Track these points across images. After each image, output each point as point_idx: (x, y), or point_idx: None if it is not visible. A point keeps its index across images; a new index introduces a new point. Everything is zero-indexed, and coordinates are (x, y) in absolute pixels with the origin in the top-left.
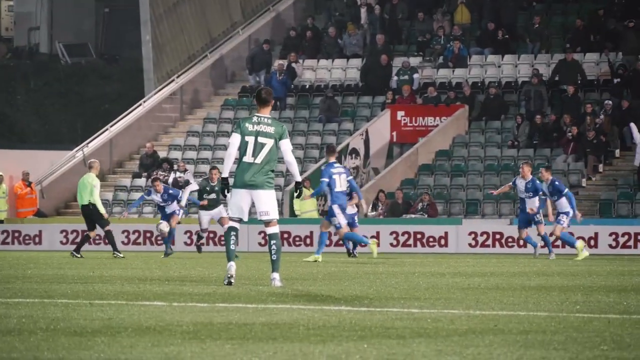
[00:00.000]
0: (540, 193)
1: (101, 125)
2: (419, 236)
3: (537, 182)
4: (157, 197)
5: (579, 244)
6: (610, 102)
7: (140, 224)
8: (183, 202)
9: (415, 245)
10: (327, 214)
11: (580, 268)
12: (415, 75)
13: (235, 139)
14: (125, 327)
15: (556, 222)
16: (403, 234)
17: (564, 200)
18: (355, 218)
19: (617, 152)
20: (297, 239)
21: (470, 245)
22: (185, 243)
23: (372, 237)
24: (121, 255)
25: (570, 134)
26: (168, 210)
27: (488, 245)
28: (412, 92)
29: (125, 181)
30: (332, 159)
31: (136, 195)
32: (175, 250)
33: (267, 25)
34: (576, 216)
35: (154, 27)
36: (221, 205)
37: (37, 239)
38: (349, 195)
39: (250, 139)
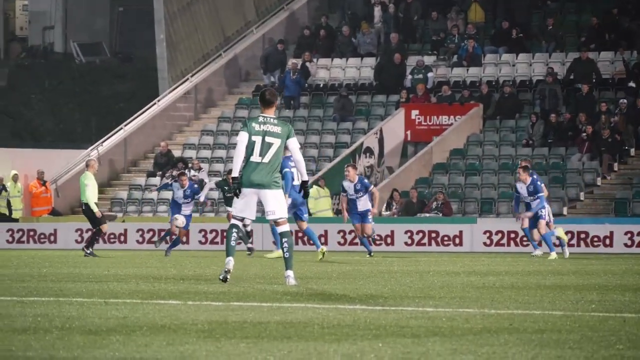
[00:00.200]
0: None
1: (115, 124)
2: (433, 235)
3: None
4: (179, 192)
5: (553, 255)
6: (625, 100)
7: (155, 223)
8: (202, 198)
9: (429, 244)
10: (294, 213)
11: (596, 267)
12: (430, 74)
13: (243, 137)
14: (140, 325)
15: (539, 219)
16: (417, 232)
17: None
18: (370, 215)
19: (632, 151)
20: None
21: (484, 244)
22: (200, 242)
23: (387, 236)
24: (88, 252)
25: (585, 133)
26: (183, 211)
27: (503, 244)
28: (427, 91)
29: (140, 180)
30: (288, 153)
31: (152, 195)
32: (190, 248)
33: (281, 24)
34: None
35: (168, 26)
36: None
37: (52, 238)
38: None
39: (258, 139)
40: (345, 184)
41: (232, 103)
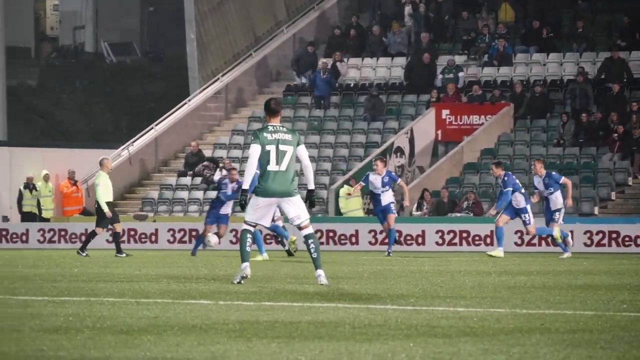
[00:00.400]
0: (521, 190)
1: (146, 124)
2: (464, 235)
3: (554, 174)
4: (228, 190)
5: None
6: None
7: (186, 223)
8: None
9: (460, 244)
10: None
11: (627, 267)
12: (461, 74)
13: (255, 150)
14: (171, 325)
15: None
16: (449, 232)
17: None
18: (392, 206)
19: None
20: (343, 237)
21: (516, 244)
22: (231, 242)
23: (418, 236)
24: (84, 254)
25: (615, 133)
26: (222, 210)
27: (534, 244)
28: (457, 91)
29: (171, 180)
30: None
31: (183, 194)
32: (221, 248)
33: (311, 24)
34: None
35: (199, 26)
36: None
37: (83, 238)
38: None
39: (272, 148)
40: (372, 177)
41: (262, 103)
